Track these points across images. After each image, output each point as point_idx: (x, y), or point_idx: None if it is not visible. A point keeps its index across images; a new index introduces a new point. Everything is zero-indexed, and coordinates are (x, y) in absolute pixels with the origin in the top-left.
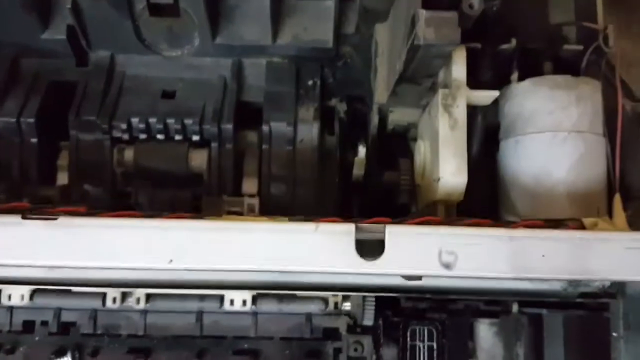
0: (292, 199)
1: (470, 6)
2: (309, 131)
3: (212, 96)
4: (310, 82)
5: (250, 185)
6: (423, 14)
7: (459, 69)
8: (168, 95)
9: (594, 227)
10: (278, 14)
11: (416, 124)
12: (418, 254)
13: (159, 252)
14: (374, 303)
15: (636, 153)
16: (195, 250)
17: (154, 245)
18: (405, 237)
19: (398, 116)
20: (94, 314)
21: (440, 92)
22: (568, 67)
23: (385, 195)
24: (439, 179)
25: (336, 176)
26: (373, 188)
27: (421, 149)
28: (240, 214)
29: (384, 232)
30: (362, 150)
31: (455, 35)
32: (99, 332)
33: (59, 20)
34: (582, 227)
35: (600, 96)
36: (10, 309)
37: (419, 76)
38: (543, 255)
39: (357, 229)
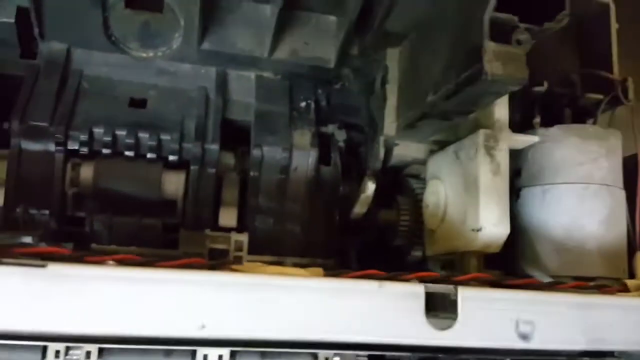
0: (281, 236)
1: (518, 42)
2: (304, 159)
3: (191, 110)
4: (303, 104)
5: (228, 216)
6: (491, 47)
7: (502, 109)
8: (137, 103)
9: (638, 289)
10: (279, 23)
11: (420, 160)
12: (494, 324)
13: (188, 315)
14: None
15: None
16: (235, 315)
17: (181, 307)
18: (480, 302)
19: (403, 151)
20: None
21: (482, 132)
22: (584, 114)
23: (378, 234)
24: (479, 229)
25: (335, 213)
26: (366, 227)
27: (440, 191)
28: (226, 252)
29: (456, 296)
30: (371, 187)
31: (523, 73)
32: None
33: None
34: (625, 289)
35: (621, 149)
36: None
37: (457, 112)
38: (611, 325)
39: (426, 290)
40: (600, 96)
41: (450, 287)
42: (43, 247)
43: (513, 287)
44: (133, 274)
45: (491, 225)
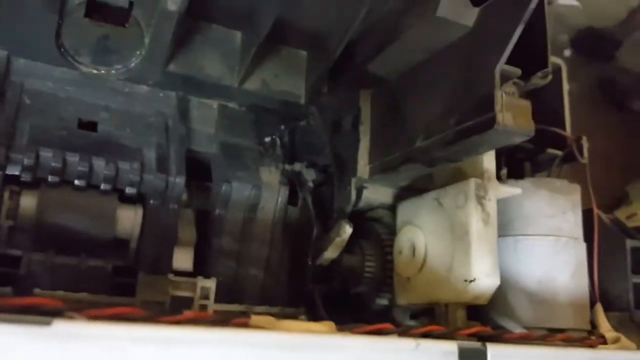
0: (246, 281)
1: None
2: (273, 198)
3: (150, 137)
4: (268, 139)
5: (184, 258)
6: (503, 97)
7: (490, 159)
8: (87, 125)
9: (616, 342)
10: (249, 52)
11: (386, 204)
12: None
13: None
14: None
15: (609, 261)
16: None
17: None
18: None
19: (372, 194)
20: None
21: (473, 181)
22: (539, 168)
23: (342, 281)
24: (472, 280)
25: (304, 257)
26: (330, 272)
27: (418, 238)
28: (190, 300)
29: (485, 353)
30: (348, 230)
31: (530, 127)
32: None
33: None
34: (604, 342)
35: (580, 203)
36: None
37: (447, 159)
38: None
39: (459, 347)
40: (560, 152)
41: (479, 344)
42: None
43: (512, 341)
44: (124, 333)
45: (484, 276)
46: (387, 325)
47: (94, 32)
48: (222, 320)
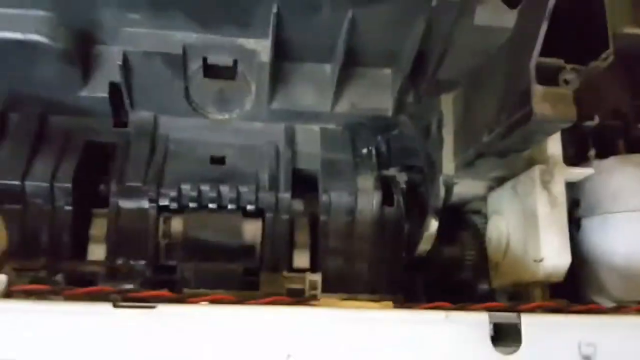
0: (350, 274)
1: (566, 81)
2: (369, 202)
3: (264, 163)
4: (364, 150)
5: (302, 259)
6: (538, 89)
7: (555, 145)
8: (217, 160)
9: None
10: (338, 80)
11: (480, 196)
12: (557, 348)
13: (276, 346)
14: None
15: None
16: (316, 345)
17: (270, 339)
18: (542, 328)
19: (463, 189)
20: None
21: (538, 168)
22: (637, 144)
23: (443, 270)
24: (541, 260)
25: (400, 250)
26: (430, 263)
27: (501, 226)
28: (302, 292)
29: (519, 323)
30: (434, 224)
31: (572, 113)
32: None
33: (100, 75)
34: None
35: None
36: None
37: (512, 150)
38: None
39: (490, 318)
40: None
41: (514, 315)
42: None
43: (575, 312)
44: (230, 311)
45: (552, 255)
46: (442, 303)
47: (212, 87)
48: (296, 301)
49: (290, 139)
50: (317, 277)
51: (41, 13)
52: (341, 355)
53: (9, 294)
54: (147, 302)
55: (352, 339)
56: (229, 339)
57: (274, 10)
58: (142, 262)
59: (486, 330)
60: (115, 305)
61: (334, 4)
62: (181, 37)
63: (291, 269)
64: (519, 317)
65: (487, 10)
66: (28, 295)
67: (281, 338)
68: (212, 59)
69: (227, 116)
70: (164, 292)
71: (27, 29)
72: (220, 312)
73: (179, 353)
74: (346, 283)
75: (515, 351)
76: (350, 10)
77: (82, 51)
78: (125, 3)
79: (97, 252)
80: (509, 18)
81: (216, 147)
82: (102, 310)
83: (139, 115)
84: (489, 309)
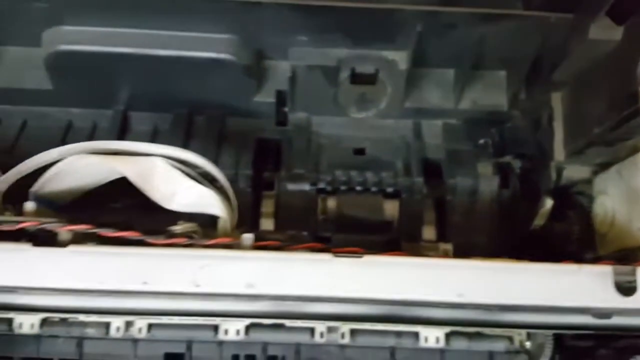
0: (473, 246)
1: None
2: (488, 185)
3: (397, 153)
4: (481, 141)
5: (429, 232)
6: None
7: None
8: (359, 151)
9: None
10: (460, 82)
11: (585, 179)
12: None
13: (448, 287)
14: (552, 341)
15: None
16: (487, 285)
17: (443, 282)
18: None
19: (571, 173)
20: (299, 349)
21: None
22: None
23: (553, 244)
24: None
25: (516, 226)
26: (543, 238)
27: (607, 204)
28: None
29: (634, 273)
30: (549, 202)
31: None
32: None
33: (269, 84)
34: None
35: None
36: (221, 343)
37: (619, 140)
38: None
39: (614, 269)
40: None
41: (630, 267)
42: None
43: None
44: (417, 262)
45: None
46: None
47: (355, 91)
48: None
49: (418, 133)
50: (449, 247)
51: (230, 36)
52: (500, 295)
53: (256, 247)
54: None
55: (506, 284)
56: (410, 280)
57: (418, 29)
58: (305, 233)
59: (610, 279)
60: (335, 255)
61: (469, 22)
62: (336, 52)
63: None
64: (634, 270)
65: (599, 27)
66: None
67: (454, 281)
68: (359, 69)
69: (364, 115)
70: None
71: (220, 49)
72: (412, 261)
73: (381, 290)
74: (469, 254)
75: (632, 294)
76: (481, 27)
77: (258, 66)
78: (297, 29)
79: (266, 225)
80: (617, 32)
81: (357, 140)
82: (325, 258)
83: (296, 116)
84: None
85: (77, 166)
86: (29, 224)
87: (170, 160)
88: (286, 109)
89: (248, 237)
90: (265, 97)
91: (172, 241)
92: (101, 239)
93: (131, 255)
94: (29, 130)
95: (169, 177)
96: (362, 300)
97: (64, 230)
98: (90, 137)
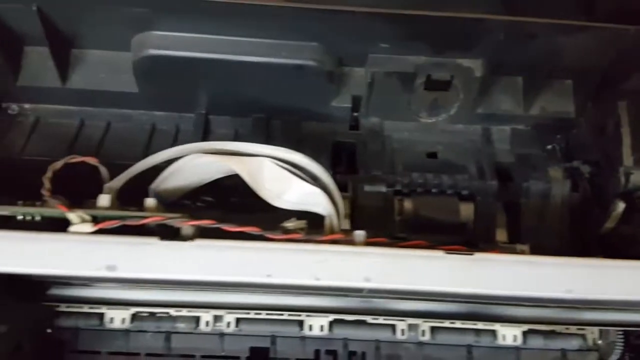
0: (545, 247)
1: None
2: (560, 189)
3: (469, 157)
4: (549, 147)
5: (503, 234)
6: None
7: None
8: (431, 155)
9: None
10: (529, 90)
11: None
12: None
13: (558, 284)
14: (623, 339)
15: None
16: (595, 281)
17: (553, 279)
18: None
19: (638, 178)
20: (379, 345)
21: None
22: None
23: (620, 246)
24: None
25: (586, 229)
26: (611, 240)
27: None
28: None
29: None
30: (621, 205)
31: None
32: None
33: (345, 90)
34: None
35: None
36: (304, 338)
37: None
38: None
39: None
40: None
41: None
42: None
43: None
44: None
45: None
46: None
47: (429, 97)
48: None
49: (488, 138)
50: (525, 248)
51: (314, 44)
52: (607, 291)
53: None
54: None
55: (611, 280)
56: (522, 277)
57: (499, 38)
58: (381, 233)
59: None
60: (447, 253)
61: (550, 33)
62: (414, 59)
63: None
64: None
65: None
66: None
67: (564, 278)
68: (435, 75)
69: (433, 119)
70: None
71: (304, 56)
72: (523, 259)
73: (492, 286)
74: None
75: None
76: (560, 37)
77: (338, 72)
78: (380, 37)
79: (343, 225)
80: None
81: (428, 144)
82: (437, 255)
83: (369, 121)
84: None
85: (194, 164)
86: (155, 219)
87: (276, 161)
88: (359, 114)
89: (360, 234)
90: (341, 102)
91: (292, 236)
92: (217, 234)
93: (254, 250)
94: (112, 131)
95: (277, 177)
96: (473, 296)
97: (187, 225)
98: (175, 140)
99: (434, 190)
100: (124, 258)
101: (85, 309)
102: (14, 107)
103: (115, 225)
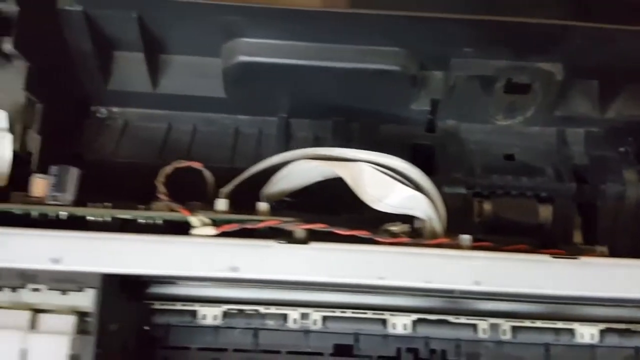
0: (623, 248)
1: None
2: (635, 191)
3: (545, 159)
4: (622, 149)
5: (579, 236)
6: None
7: None
8: (508, 157)
9: None
10: (605, 92)
11: None
12: None
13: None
14: None
15: None
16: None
17: None
18: None
19: None
20: (459, 344)
21: None
22: None
23: None
24: None
25: None
26: None
27: None
28: None
29: None
30: None
31: None
32: None
33: (424, 93)
34: None
35: None
36: (386, 336)
37: None
38: None
39: None
40: None
41: None
42: None
43: None
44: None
45: None
46: None
47: (507, 100)
48: None
49: (563, 140)
50: (604, 249)
51: (399, 49)
52: None
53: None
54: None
55: None
56: (626, 280)
57: (580, 43)
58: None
59: None
60: (553, 257)
61: (631, 38)
62: (496, 63)
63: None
64: None
65: None
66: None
67: None
68: (515, 79)
69: (509, 122)
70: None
71: (389, 61)
72: (626, 262)
73: (598, 289)
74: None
75: None
76: (636, 43)
77: (420, 76)
78: (464, 41)
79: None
80: None
81: (505, 146)
82: (544, 259)
83: (445, 123)
84: None
85: (301, 169)
86: (271, 222)
87: (376, 165)
88: (436, 116)
89: (466, 238)
90: (420, 106)
91: (401, 240)
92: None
93: (368, 253)
94: (199, 135)
95: (379, 181)
96: (578, 299)
97: (300, 229)
98: (258, 143)
99: (513, 192)
100: (246, 260)
101: (179, 306)
102: (102, 111)
103: (234, 229)
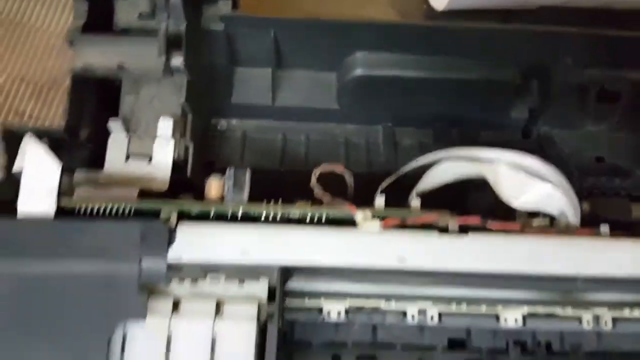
0: None
1: None
2: None
3: (634, 161)
4: None
5: None
6: None
7: None
8: (599, 159)
9: None
10: None
11: None
12: None
13: None
14: None
15: None
16: None
17: None
18: None
19: None
20: (562, 335)
21: None
22: None
23: None
24: None
25: None
26: None
27: None
28: None
29: None
30: None
31: None
32: None
33: (522, 101)
34: None
35: None
36: (496, 330)
37: None
38: None
39: None
40: None
41: None
42: None
43: None
44: None
45: None
46: None
47: (598, 107)
48: None
49: None
50: None
51: (505, 60)
52: None
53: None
54: None
55: None
56: None
57: None
58: None
59: None
60: None
61: None
62: (592, 72)
63: None
64: None
65: None
66: None
67: None
68: (609, 87)
69: (598, 128)
70: None
71: (496, 72)
72: None
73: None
74: None
75: None
76: None
77: (522, 85)
78: (565, 53)
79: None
80: None
81: (595, 150)
82: None
83: (540, 129)
84: None
85: (448, 168)
86: (430, 217)
87: (513, 165)
88: (531, 123)
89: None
90: (519, 113)
91: (549, 232)
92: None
93: (522, 242)
94: (312, 143)
95: (517, 179)
96: None
97: (455, 223)
98: (367, 152)
99: (607, 192)
100: (411, 250)
101: (305, 301)
102: (222, 123)
103: (397, 224)
